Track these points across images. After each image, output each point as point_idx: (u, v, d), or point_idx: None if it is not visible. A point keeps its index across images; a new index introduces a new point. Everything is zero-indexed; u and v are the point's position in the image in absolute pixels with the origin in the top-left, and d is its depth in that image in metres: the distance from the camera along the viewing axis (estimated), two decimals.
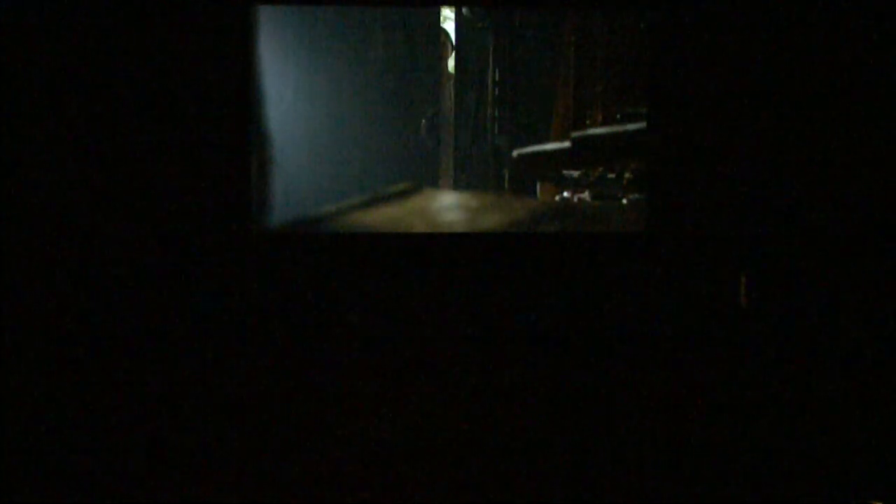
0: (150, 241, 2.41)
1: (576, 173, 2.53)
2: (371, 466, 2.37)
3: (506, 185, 2.52)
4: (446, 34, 2.52)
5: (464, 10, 2.51)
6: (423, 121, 2.47)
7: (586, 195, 2.53)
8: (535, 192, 2.54)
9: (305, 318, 2.45)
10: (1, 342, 2.37)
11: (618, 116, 2.51)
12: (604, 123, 2.52)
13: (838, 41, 2.45)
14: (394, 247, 2.47)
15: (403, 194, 2.49)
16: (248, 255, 2.44)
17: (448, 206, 2.50)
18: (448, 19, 2.53)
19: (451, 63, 2.53)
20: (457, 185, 2.52)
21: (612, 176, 2.53)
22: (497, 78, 2.52)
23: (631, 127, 2.49)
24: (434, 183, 2.53)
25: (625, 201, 2.51)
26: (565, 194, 2.53)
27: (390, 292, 2.47)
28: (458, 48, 2.52)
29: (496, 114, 2.52)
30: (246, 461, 2.37)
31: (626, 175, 2.51)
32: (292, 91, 2.44)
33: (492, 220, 2.48)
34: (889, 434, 2.43)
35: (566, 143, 2.53)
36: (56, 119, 2.37)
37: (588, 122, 2.52)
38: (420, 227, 2.46)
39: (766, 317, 2.47)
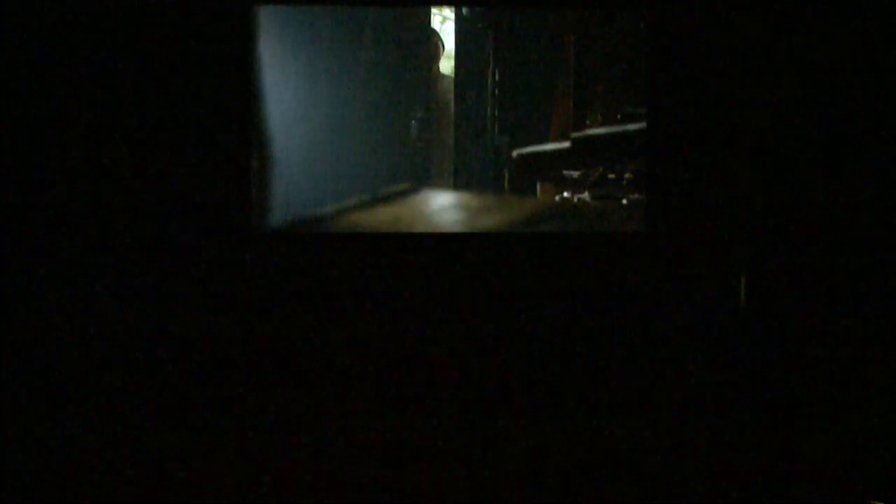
0: (151, 241, 2.41)
1: (576, 173, 2.53)
2: (371, 465, 2.36)
3: (506, 185, 2.52)
4: (438, 36, 2.53)
5: (464, 10, 2.51)
6: (414, 122, 2.47)
7: (586, 195, 2.53)
8: (535, 193, 2.54)
9: (305, 318, 2.46)
10: (1, 342, 2.37)
11: (618, 116, 2.51)
12: (604, 123, 2.52)
13: (838, 40, 2.45)
14: (394, 247, 2.47)
15: (403, 195, 2.49)
16: (248, 255, 2.44)
17: (447, 207, 2.50)
18: (448, 20, 2.53)
19: (444, 64, 2.53)
20: (457, 186, 2.52)
21: (612, 176, 2.53)
22: (497, 78, 2.52)
23: (631, 127, 2.49)
24: (434, 183, 2.53)
25: (625, 201, 2.51)
26: (565, 194, 2.53)
27: (390, 292, 2.47)
28: (458, 48, 2.52)
29: (496, 114, 2.52)
30: (246, 460, 2.37)
31: (626, 175, 2.51)
32: (292, 91, 2.44)
33: (492, 220, 2.48)
34: (889, 434, 2.43)
35: (566, 144, 2.53)
36: (57, 119, 2.38)
37: (588, 122, 2.52)
38: (420, 227, 2.46)
39: (766, 317, 2.48)
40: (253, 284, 2.44)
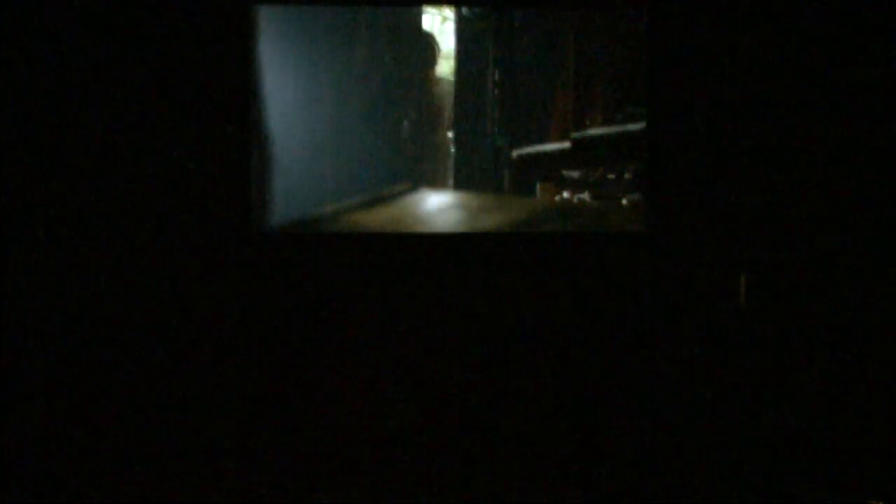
0: (151, 242, 2.40)
1: (576, 173, 2.53)
2: (371, 465, 2.36)
3: (506, 185, 2.52)
4: (433, 38, 2.53)
5: (464, 10, 2.51)
6: (405, 123, 2.47)
7: (586, 195, 2.53)
8: (534, 193, 2.54)
9: (305, 318, 2.45)
10: (1, 342, 2.37)
11: (618, 116, 2.51)
12: (604, 123, 2.52)
13: (839, 39, 2.46)
14: (394, 247, 2.47)
15: (403, 195, 2.49)
16: (248, 255, 2.44)
17: (448, 207, 2.50)
18: (447, 20, 2.53)
19: (444, 65, 2.54)
20: (457, 186, 2.52)
21: (612, 176, 2.52)
22: (497, 78, 2.52)
23: (631, 127, 2.49)
24: (434, 183, 2.53)
25: (625, 201, 2.51)
26: (565, 194, 2.53)
27: (390, 292, 2.47)
28: (458, 48, 2.52)
29: (496, 114, 2.52)
30: (247, 460, 2.37)
31: (626, 175, 2.51)
32: (292, 92, 2.44)
33: (492, 221, 2.48)
34: (889, 434, 2.43)
35: (566, 144, 2.53)
36: (55, 119, 2.37)
37: (588, 122, 2.52)
38: (420, 227, 2.46)
39: (766, 317, 2.48)
40: (253, 284, 2.43)
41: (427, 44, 2.53)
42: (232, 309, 2.43)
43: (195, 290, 2.41)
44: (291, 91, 2.43)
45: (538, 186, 2.54)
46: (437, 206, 2.50)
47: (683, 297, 2.47)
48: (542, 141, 2.53)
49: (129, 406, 2.41)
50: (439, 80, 2.55)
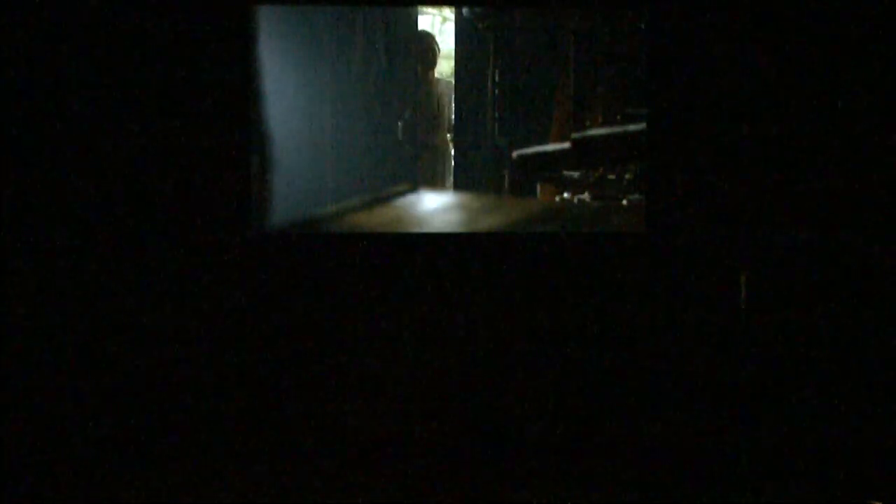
0: (150, 241, 2.41)
1: (576, 174, 2.53)
2: (371, 465, 2.36)
3: (506, 185, 2.53)
4: (433, 38, 2.53)
5: (464, 10, 2.51)
6: (405, 123, 2.47)
7: (586, 195, 2.53)
8: (535, 193, 2.55)
9: (305, 318, 2.45)
10: (1, 342, 2.36)
11: (618, 117, 2.52)
12: (604, 124, 2.52)
13: (837, 41, 2.46)
14: (394, 247, 2.47)
15: (403, 195, 2.50)
16: (248, 255, 2.44)
17: (448, 207, 2.50)
18: (448, 20, 2.53)
19: (444, 65, 2.54)
20: (457, 186, 2.53)
21: (612, 177, 2.53)
22: (497, 79, 2.52)
23: (631, 128, 2.50)
24: (435, 184, 2.53)
25: (625, 202, 2.51)
26: (565, 195, 2.53)
27: (390, 292, 2.47)
28: (458, 49, 2.52)
29: (496, 115, 2.52)
30: (246, 459, 2.36)
31: (626, 176, 2.51)
32: (291, 92, 2.44)
33: (492, 221, 2.48)
34: (889, 434, 2.43)
35: (566, 145, 2.53)
36: (56, 119, 2.38)
37: (588, 122, 2.52)
38: (419, 227, 2.47)
39: (766, 317, 2.48)
40: (253, 284, 2.43)
41: (427, 44, 2.53)
42: (232, 308, 2.43)
43: (195, 289, 2.41)
44: (291, 91, 2.43)
45: (538, 186, 2.54)
46: (437, 206, 2.50)
47: (683, 296, 2.48)
48: (542, 141, 2.53)
49: (129, 406, 2.40)
50: (439, 81, 2.55)
